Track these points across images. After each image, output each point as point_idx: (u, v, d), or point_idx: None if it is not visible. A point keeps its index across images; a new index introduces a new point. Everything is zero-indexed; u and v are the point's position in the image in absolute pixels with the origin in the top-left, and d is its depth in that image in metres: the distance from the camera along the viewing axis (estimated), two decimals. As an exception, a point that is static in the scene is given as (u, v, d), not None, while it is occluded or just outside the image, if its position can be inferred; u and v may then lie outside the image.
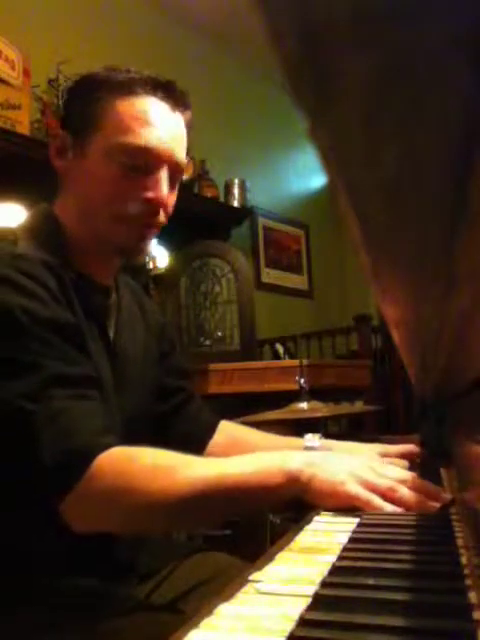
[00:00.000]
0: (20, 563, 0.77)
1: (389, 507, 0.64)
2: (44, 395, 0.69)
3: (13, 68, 2.56)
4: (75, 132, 0.85)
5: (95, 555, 0.81)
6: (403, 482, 0.68)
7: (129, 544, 0.89)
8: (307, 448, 0.96)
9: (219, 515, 0.78)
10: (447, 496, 0.67)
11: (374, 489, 0.66)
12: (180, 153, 0.87)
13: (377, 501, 0.64)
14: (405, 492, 0.66)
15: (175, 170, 0.86)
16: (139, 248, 0.87)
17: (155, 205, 0.84)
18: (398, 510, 0.64)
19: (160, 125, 0.83)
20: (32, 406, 0.68)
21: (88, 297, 0.83)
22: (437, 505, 0.66)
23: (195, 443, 1.02)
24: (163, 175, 0.84)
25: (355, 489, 0.65)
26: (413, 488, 0.68)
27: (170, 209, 0.88)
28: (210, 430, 1.06)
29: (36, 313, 0.72)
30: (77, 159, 0.85)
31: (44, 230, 0.85)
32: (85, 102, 0.84)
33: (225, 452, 1.00)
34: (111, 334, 0.90)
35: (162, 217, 0.86)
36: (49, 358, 0.71)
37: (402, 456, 0.91)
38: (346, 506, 0.65)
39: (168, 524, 0.75)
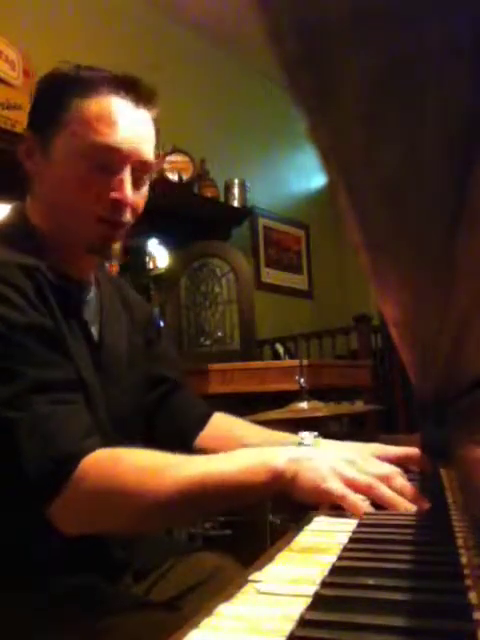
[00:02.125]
0: (17, 562, 0.77)
1: (363, 506, 0.64)
2: (25, 402, 0.69)
3: (13, 68, 2.56)
4: (40, 133, 0.85)
5: (91, 554, 0.81)
6: (385, 478, 0.69)
7: (125, 543, 0.89)
8: (301, 445, 0.95)
9: (205, 513, 0.80)
10: (424, 503, 0.68)
11: (353, 485, 0.66)
12: (146, 151, 0.86)
13: (351, 498, 0.65)
14: (384, 490, 0.67)
15: (141, 169, 0.86)
16: (107, 247, 0.86)
17: (120, 205, 0.84)
18: (370, 510, 0.64)
19: (124, 124, 0.82)
20: (13, 414, 0.68)
21: (67, 296, 0.83)
22: (413, 507, 0.67)
23: (182, 435, 1.01)
24: (127, 175, 0.84)
25: (334, 486, 0.66)
26: (393, 486, 0.68)
27: (139, 208, 0.88)
28: (200, 422, 1.04)
29: (13, 320, 0.72)
30: (43, 160, 0.85)
31: (18, 231, 0.86)
32: (49, 102, 0.84)
33: (215, 446, 0.98)
34: (95, 332, 0.89)
35: (128, 216, 0.86)
36: (29, 365, 0.71)
37: (400, 460, 0.89)
38: (327, 503, 0.66)
39: (155, 524, 0.76)
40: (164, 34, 3.61)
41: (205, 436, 1.03)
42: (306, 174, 4.54)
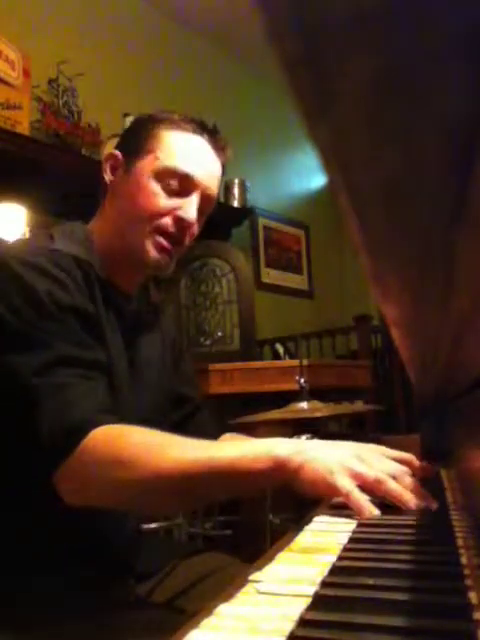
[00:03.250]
0: (19, 560, 0.77)
1: (368, 507, 0.63)
2: (50, 371, 0.73)
3: (13, 68, 2.56)
4: (128, 153, 0.95)
5: (94, 555, 0.81)
6: (394, 476, 0.68)
7: (127, 544, 0.89)
8: None
9: (206, 496, 0.78)
10: (433, 502, 0.67)
11: (361, 479, 0.66)
12: (214, 187, 0.97)
13: (357, 496, 0.64)
14: (394, 485, 0.66)
15: (206, 202, 0.96)
16: (163, 262, 0.93)
17: (183, 224, 0.92)
18: (375, 512, 0.63)
19: (202, 159, 0.95)
20: (37, 380, 0.73)
21: (111, 296, 0.89)
22: (421, 504, 0.66)
23: None
24: (195, 200, 0.93)
25: (341, 481, 0.65)
26: (402, 485, 0.68)
27: (194, 234, 0.97)
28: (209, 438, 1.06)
29: (59, 298, 0.78)
30: (126, 176, 0.94)
31: (77, 236, 0.93)
32: (141, 131, 0.96)
33: None
34: (131, 336, 0.94)
35: (186, 239, 0.94)
36: (63, 340, 0.76)
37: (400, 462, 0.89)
38: (331, 496, 0.66)
39: (157, 501, 0.75)
40: (164, 34, 3.61)
41: None
42: (306, 174, 4.55)
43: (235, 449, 0.71)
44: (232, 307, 3.33)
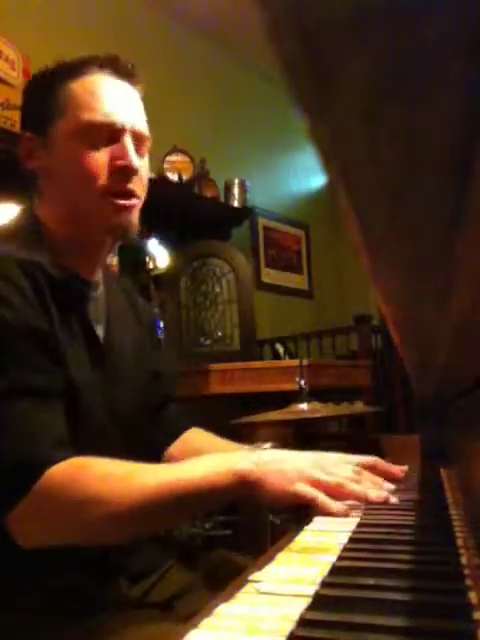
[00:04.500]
0: (10, 562, 0.76)
1: (335, 505, 0.65)
2: (2, 403, 0.69)
3: (13, 68, 2.56)
4: (37, 128, 0.86)
5: (85, 556, 0.80)
6: (352, 480, 0.70)
7: (121, 547, 0.88)
8: None
9: (172, 519, 0.78)
10: (387, 492, 0.70)
11: (321, 487, 0.67)
12: (140, 123, 0.87)
13: (322, 498, 0.65)
14: (354, 487, 0.68)
15: (139, 140, 0.87)
16: (126, 222, 0.86)
17: (126, 172, 0.84)
18: (343, 508, 0.65)
19: (114, 97, 0.85)
20: None
21: (68, 293, 0.82)
22: (383, 495, 0.68)
23: (154, 447, 1.02)
24: (128, 142, 0.85)
25: (302, 488, 0.66)
26: (364, 485, 0.70)
27: (145, 180, 0.89)
28: (172, 437, 1.05)
29: (5, 319, 0.72)
30: (46, 153, 0.85)
31: (23, 229, 0.86)
32: (39, 97, 0.86)
33: (181, 459, 0.99)
34: (101, 331, 0.89)
35: (137, 187, 0.86)
36: (14, 366, 0.71)
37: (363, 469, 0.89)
38: (295, 505, 0.67)
39: (121, 534, 0.73)
40: (164, 34, 3.61)
41: (173, 451, 1.04)
42: (306, 174, 4.54)
43: (196, 469, 0.70)
44: (232, 307, 3.33)
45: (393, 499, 0.69)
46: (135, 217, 0.87)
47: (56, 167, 0.85)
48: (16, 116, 2.58)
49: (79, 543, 0.72)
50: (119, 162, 0.83)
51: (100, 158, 0.83)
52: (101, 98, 0.83)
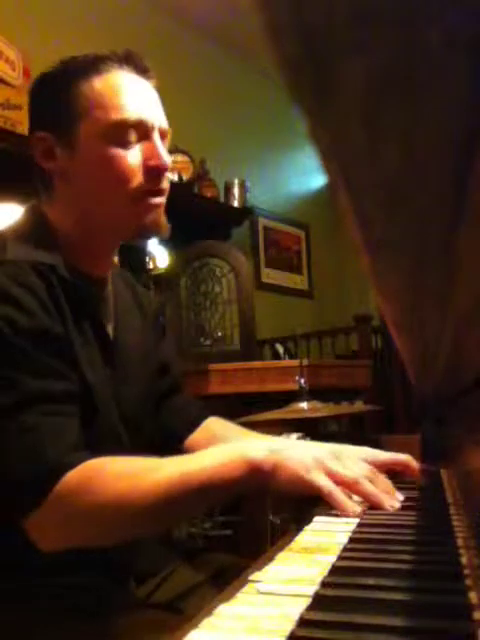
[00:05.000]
0: (18, 562, 0.77)
1: (350, 505, 0.64)
2: (18, 411, 0.69)
3: (13, 68, 2.56)
4: (56, 129, 0.83)
5: (92, 556, 0.81)
6: (367, 478, 0.68)
7: (125, 548, 0.88)
8: None
9: (188, 512, 0.78)
10: (397, 501, 0.68)
11: (338, 479, 0.65)
12: (163, 118, 0.86)
13: (338, 493, 0.64)
14: (369, 486, 0.67)
15: (164, 137, 0.86)
16: (161, 222, 0.85)
17: (160, 172, 0.83)
18: (357, 510, 0.63)
19: (137, 94, 0.83)
20: (4, 422, 0.68)
21: (82, 295, 0.82)
22: (395, 505, 0.67)
23: (174, 436, 1.01)
24: (158, 141, 0.83)
25: (320, 478, 0.64)
26: (377, 487, 0.68)
27: (169, 176, 0.88)
28: (192, 425, 1.03)
29: (20, 324, 0.71)
30: (69, 155, 0.83)
31: (35, 230, 0.84)
32: (55, 97, 0.83)
33: (204, 449, 0.99)
34: (110, 330, 0.89)
35: (165, 183, 0.85)
36: (28, 373, 0.71)
37: (390, 465, 0.85)
38: (309, 494, 0.65)
39: (138, 531, 0.74)
40: (165, 34, 3.61)
41: (194, 439, 1.02)
42: (306, 174, 4.54)
43: (208, 460, 0.69)
44: (232, 307, 3.33)
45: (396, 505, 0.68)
46: (163, 216, 0.86)
47: (81, 168, 0.83)
48: (16, 116, 2.58)
49: (98, 544, 0.73)
50: (153, 162, 0.82)
51: (133, 158, 0.81)
52: (127, 96, 0.81)
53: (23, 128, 2.63)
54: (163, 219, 0.86)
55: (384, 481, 0.70)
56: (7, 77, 2.54)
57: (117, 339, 0.89)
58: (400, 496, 0.69)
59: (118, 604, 0.79)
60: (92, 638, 0.71)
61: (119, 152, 0.81)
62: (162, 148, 0.83)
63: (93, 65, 0.82)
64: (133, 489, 0.68)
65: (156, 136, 0.83)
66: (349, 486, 0.66)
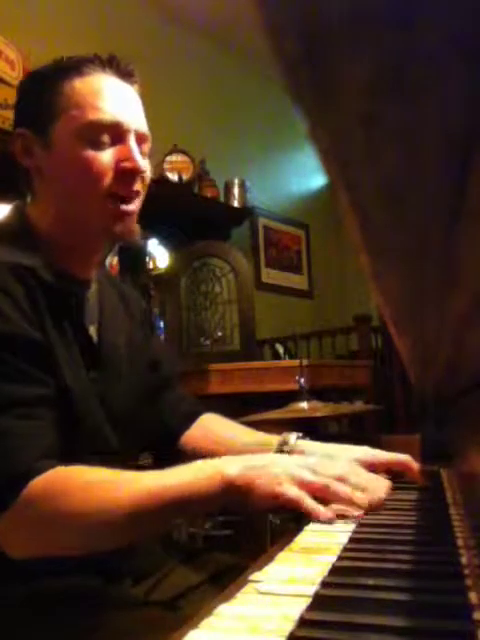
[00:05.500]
0: (17, 565, 0.76)
1: (322, 511, 0.64)
2: None
3: (13, 68, 2.56)
4: (35, 126, 0.84)
5: (90, 558, 0.80)
6: (340, 478, 0.69)
7: (123, 548, 0.88)
8: (280, 445, 0.94)
9: (159, 526, 0.77)
10: (380, 503, 0.69)
11: (309, 488, 0.67)
12: (142, 123, 0.87)
13: (308, 502, 0.65)
14: (340, 488, 0.67)
15: (141, 140, 0.86)
16: (126, 230, 0.85)
17: (131, 174, 0.83)
18: (329, 514, 0.64)
19: (117, 97, 0.84)
20: None
21: (62, 297, 0.82)
22: (373, 501, 0.68)
23: (169, 433, 1.01)
24: (132, 143, 0.84)
25: (290, 490, 0.66)
26: (352, 485, 0.69)
27: (147, 179, 0.88)
28: (187, 421, 1.03)
29: None
30: (45, 152, 0.83)
31: (15, 231, 0.85)
32: (38, 95, 0.84)
33: (200, 445, 0.98)
34: (94, 331, 0.88)
35: (140, 188, 0.86)
36: (2, 378, 0.71)
37: (390, 465, 0.87)
38: (284, 507, 0.66)
39: (109, 542, 0.72)
40: (164, 34, 3.61)
41: (190, 435, 1.02)
42: (306, 174, 4.54)
43: (183, 475, 0.70)
44: (232, 307, 3.33)
45: (376, 502, 0.69)
46: (134, 223, 0.86)
47: (55, 167, 0.83)
48: (16, 116, 2.58)
49: (66, 553, 0.72)
50: (125, 164, 0.82)
51: (105, 159, 0.81)
52: (105, 98, 0.82)
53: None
54: (135, 226, 0.86)
55: (357, 482, 0.71)
56: (7, 77, 2.54)
57: (102, 340, 0.89)
58: (382, 492, 0.71)
59: (116, 604, 0.79)
60: (90, 638, 0.71)
61: (91, 153, 0.81)
62: (137, 151, 0.84)
63: (76, 67, 0.83)
64: (102, 500, 0.67)
65: (131, 139, 0.84)
66: (318, 491, 0.67)
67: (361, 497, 0.67)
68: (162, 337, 2.78)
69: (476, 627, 0.32)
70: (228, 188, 3.64)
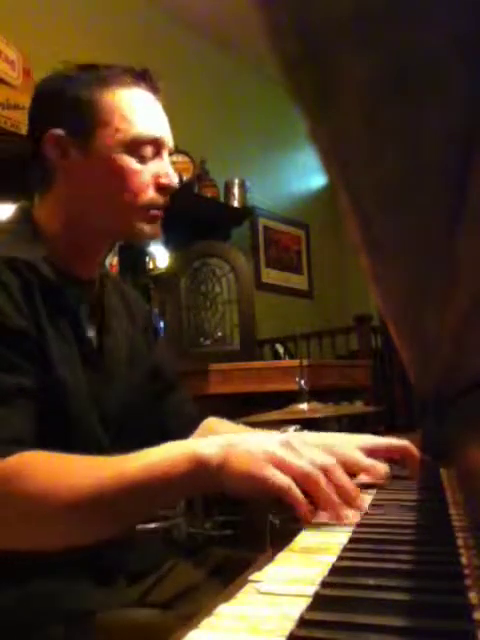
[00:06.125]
0: (15, 564, 0.76)
1: (307, 506, 0.59)
2: None
3: (13, 68, 2.56)
4: (72, 129, 0.85)
5: (81, 556, 0.80)
6: (324, 469, 0.61)
7: (118, 546, 0.88)
8: None
9: (129, 513, 0.68)
10: (363, 505, 0.62)
11: (290, 472, 0.59)
12: (171, 138, 0.92)
13: (297, 493, 0.58)
14: (322, 484, 0.60)
15: (169, 153, 0.91)
16: (157, 232, 0.90)
17: (168, 190, 0.89)
18: (310, 510, 0.59)
19: (157, 114, 0.89)
20: None
21: (60, 295, 0.82)
22: (350, 512, 0.60)
23: (172, 436, 1.00)
24: (167, 161, 0.89)
25: (275, 475, 0.58)
26: (332, 480, 0.61)
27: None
28: (192, 425, 1.02)
29: None
30: (82, 156, 0.85)
31: (18, 229, 0.86)
32: (76, 100, 0.85)
33: None
34: (92, 331, 0.89)
35: (167, 198, 0.91)
36: None
37: (391, 451, 0.85)
38: (262, 494, 0.59)
39: (77, 531, 0.66)
40: (164, 34, 3.61)
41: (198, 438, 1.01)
42: (306, 174, 4.55)
43: (150, 456, 0.64)
44: (232, 307, 3.33)
45: (362, 508, 0.62)
46: (159, 226, 0.91)
47: (92, 171, 0.85)
48: (16, 116, 2.58)
49: (33, 545, 0.68)
50: (164, 180, 0.88)
51: (147, 173, 0.87)
52: (148, 113, 0.87)
53: (23, 128, 2.63)
54: (159, 231, 0.91)
55: (341, 477, 0.62)
56: (7, 77, 2.54)
57: (101, 342, 0.89)
58: (363, 504, 0.63)
59: (114, 603, 0.78)
60: (82, 637, 0.71)
61: (136, 165, 0.86)
62: (170, 168, 0.89)
63: (117, 78, 0.87)
64: (64, 483, 0.63)
65: (166, 155, 0.89)
66: (299, 479, 0.59)
67: (339, 505, 0.60)
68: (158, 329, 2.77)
69: (476, 627, 0.32)
70: (228, 188, 3.64)
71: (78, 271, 0.88)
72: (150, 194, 0.87)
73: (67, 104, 0.87)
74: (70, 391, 0.79)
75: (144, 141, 0.86)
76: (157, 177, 0.87)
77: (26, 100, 2.72)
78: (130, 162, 0.85)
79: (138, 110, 0.86)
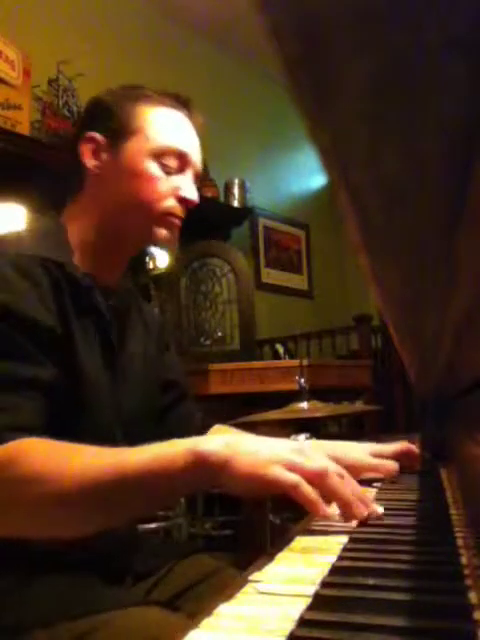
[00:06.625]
0: (17, 563, 0.77)
1: (322, 502, 0.57)
2: None
3: (13, 68, 2.56)
4: (108, 134, 0.91)
5: (93, 557, 0.81)
6: (337, 473, 0.61)
7: (122, 546, 0.88)
8: None
9: (126, 506, 0.67)
10: (378, 510, 0.61)
11: (301, 472, 0.58)
12: (200, 164, 0.98)
13: (307, 488, 0.57)
14: (336, 481, 0.59)
15: (196, 179, 0.97)
16: (173, 240, 0.93)
17: (187, 204, 0.93)
18: (328, 512, 0.58)
19: (189, 134, 0.96)
20: None
21: (88, 298, 0.84)
22: (365, 513, 0.60)
23: None
24: (191, 178, 0.94)
25: (281, 472, 0.58)
26: (325, 484, 0.60)
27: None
28: (202, 432, 1.03)
29: (10, 308, 0.72)
30: (112, 159, 0.90)
31: (48, 232, 0.89)
32: (119, 108, 0.92)
33: None
34: (113, 335, 0.90)
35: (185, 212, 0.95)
36: (2, 355, 0.71)
37: (397, 455, 0.90)
38: (266, 493, 0.59)
39: (70, 520, 0.65)
40: (164, 34, 3.61)
41: None
42: (306, 174, 4.55)
43: (151, 450, 0.63)
44: (232, 307, 3.33)
45: (375, 513, 0.61)
46: (176, 234, 0.95)
47: (119, 173, 0.89)
48: (16, 116, 2.58)
49: (28, 533, 0.67)
50: (184, 193, 0.92)
51: (169, 184, 0.91)
52: (181, 131, 0.93)
53: (23, 128, 2.63)
54: (176, 240, 0.95)
55: (334, 483, 0.61)
56: (7, 77, 2.54)
57: (121, 346, 0.91)
58: (380, 508, 0.62)
59: (114, 602, 0.78)
60: (90, 637, 0.71)
61: (159, 173, 0.90)
62: (193, 186, 0.94)
63: (158, 98, 0.93)
64: (58, 469, 0.63)
65: (190, 173, 0.94)
66: (313, 479, 0.58)
67: (322, 506, 0.58)
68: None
69: (476, 627, 0.32)
70: (228, 188, 3.65)
71: (102, 278, 0.90)
72: (170, 202, 0.91)
73: (106, 111, 0.93)
74: (92, 387, 0.80)
75: (170, 152, 0.90)
76: (179, 190, 0.91)
77: (26, 100, 2.72)
78: (154, 169, 0.89)
79: (169, 125, 0.92)
